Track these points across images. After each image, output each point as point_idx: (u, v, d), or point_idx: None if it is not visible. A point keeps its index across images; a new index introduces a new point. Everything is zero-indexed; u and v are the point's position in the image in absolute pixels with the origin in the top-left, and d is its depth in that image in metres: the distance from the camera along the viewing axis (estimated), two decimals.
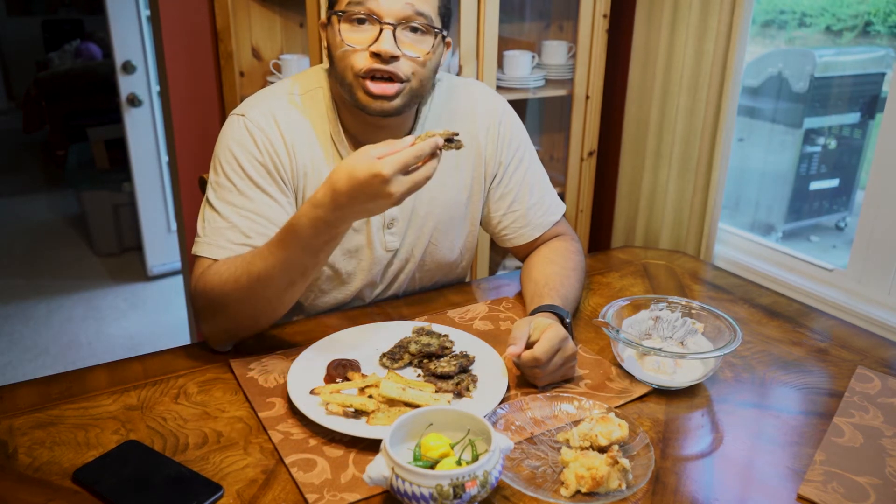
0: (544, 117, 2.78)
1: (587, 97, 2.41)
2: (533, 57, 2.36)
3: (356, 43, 1.09)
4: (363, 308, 1.31)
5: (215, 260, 1.12)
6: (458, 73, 2.20)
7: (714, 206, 2.16)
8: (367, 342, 1.15)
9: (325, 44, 1.17)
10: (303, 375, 1.04)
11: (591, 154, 2.49)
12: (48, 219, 4.52)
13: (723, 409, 1.05)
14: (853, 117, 2.49)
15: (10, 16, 6.79)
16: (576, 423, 0.97)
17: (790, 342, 1.23)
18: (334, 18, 1.11)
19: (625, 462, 0.86)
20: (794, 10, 2.32)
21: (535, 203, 1.35)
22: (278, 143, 1.17)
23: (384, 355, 1.11)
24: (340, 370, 1.05)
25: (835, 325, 1.31)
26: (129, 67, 3.30)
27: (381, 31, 1.08)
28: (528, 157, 1.36)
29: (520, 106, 2.65)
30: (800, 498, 0.87)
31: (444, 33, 1.14)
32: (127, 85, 3.33)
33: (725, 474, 0.92)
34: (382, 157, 0.94)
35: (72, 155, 4.49)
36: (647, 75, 2.32)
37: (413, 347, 1.10)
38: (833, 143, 2.56)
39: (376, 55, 1.08)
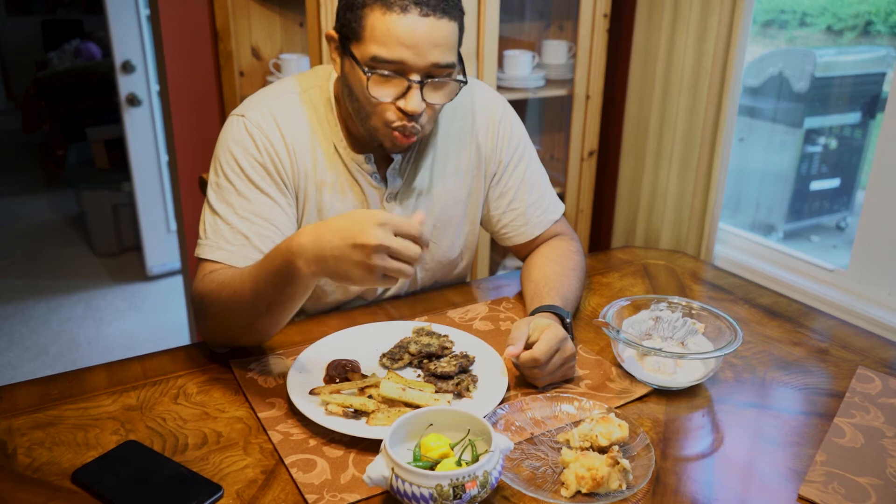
0: (544, 117, 2.78)
1: (587, 97, 2.40)
2: (533, 57, 2.36)
3: (383, 97, 1.09)
4: (363, 308, 1.31)
5: (215, 262, 1.12)
6: None
7: (714, 206, 2.16)
8: (367, 342, 1.15)
9: (332, 55, 1.15)
10: (303, 375, 1.04)
11: (591, 154, 2.48)
12: (48, 219, 4.51)
13: (723, 409, 1.05)
14: (854, 117, 2.49)
15: (9, 16, 6.79)
16: (576, 423, 0.97)
17: (791, 342, 1.23)
18: (360, 73, 1.08)
19: (625, 462, 0.85)
20: (795, 9, 2.32)
21: (535, 201, 1.35)
22: (278, 143, 1.17)
23: (384, 355, 1.11)
24: (340, 370, 1.05)
25: (835, 326, 1.30)
26: (128, 67, 3.30)
27: (408, 87, 1.07)
28: (527, 156, 1.36)
29: (520, 106, 2.65)
30: (800, 498, 0.86)
31: (464, 79, 1.14)
32: (126, 85, 3.33)
33: (726, 475, 0.91)
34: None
35: (71, 155, 4.48)
36: (647, 75, 2.32)
37: (413, 347, 1.09)
38: (834, 143, 2.56)
39: (403, 111, 1.09)
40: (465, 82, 1.13)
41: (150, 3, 2.34)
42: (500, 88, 2.31)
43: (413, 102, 1.07)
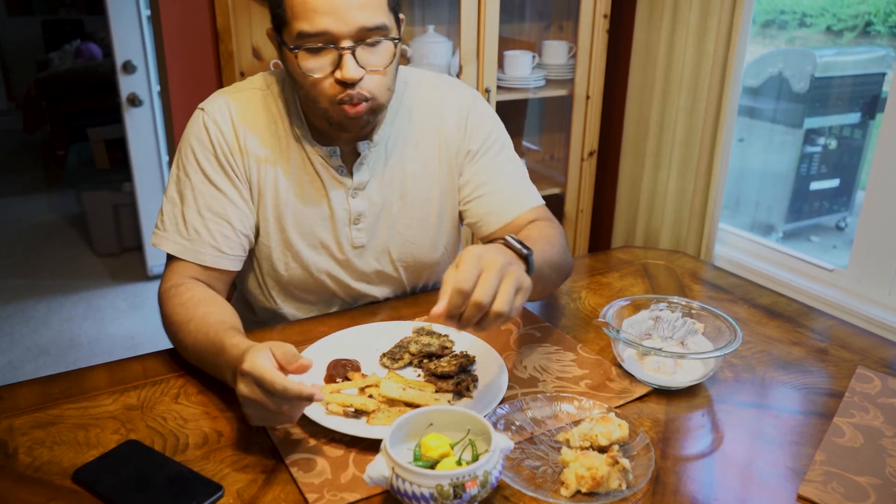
0: (544, 117, 2.78)
1: (587, 97, 2.41)
2: (533, 57, 2.36)
3: (318, 71, 1.07)
4: (363, 308, 1.31)
5: (178, 260, 1.16)
6: (459, 74, 2.20)
7: (714, 206, 2.16)
8: (367, 342, 1.15)
9: (278, 55, 1.15)
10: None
11: (591, 154, 2.49)
12: (48, 219, 4.52)
13: (723, 409, 1.05)
14: (853, 117, 2.49)
15: (10, 16, 6.79)
16: (576, 423, 0.97)
17: (790, 342, 1.23)
18: (287, 52, 1.08)
19: (625, 462, 0.86)
20: (795, 10, 2.32)
21: (508, 187, 1.29)
22: (231, 137, 1.17)
23: (384, 355, 1.11)
24: (340, 370, 1.05)
25: (835, 325, 1.31)
26: (129, 67, 3.30)
27: (340, 56, 1.06)
28: (498, 146, 1.31)
29: (520, 106, 2.66)
30: (800, 498, 0.87)
31: (399, 39, 1.12)
32: (127, 85, 3.33)
33: (725, 474, 0.92)
34: (278, 365, 0.88)
35: (72, 155, 4.49)
36: (647, 75, 2.32)
37: (413, 347, 1.10)
38: (833, 144, 2.56)
39: (342, 82, 1.07)
40: (399, 39, 1.12)
41: (150, 3, 2.34)
42: (500, 88, 2.31)
43: (348, 70, 1.05)
